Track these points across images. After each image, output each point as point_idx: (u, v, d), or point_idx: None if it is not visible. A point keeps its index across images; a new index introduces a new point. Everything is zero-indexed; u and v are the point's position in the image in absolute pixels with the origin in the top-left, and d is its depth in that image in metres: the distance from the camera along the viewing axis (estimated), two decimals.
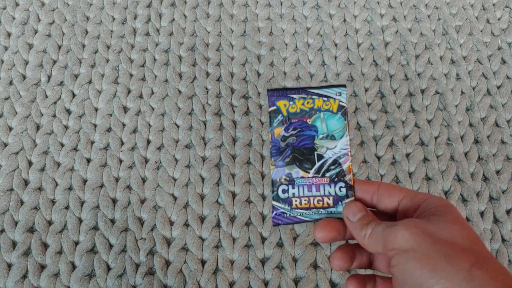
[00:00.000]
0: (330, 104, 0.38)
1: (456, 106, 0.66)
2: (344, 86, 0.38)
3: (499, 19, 0.74)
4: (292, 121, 0.38)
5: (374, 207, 0.36)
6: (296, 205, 0.37)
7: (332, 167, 0.37)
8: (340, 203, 0.36)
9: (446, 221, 0.30)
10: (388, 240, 0.31)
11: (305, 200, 0.37)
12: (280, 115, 0.38)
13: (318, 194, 0.37)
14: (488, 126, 0.64)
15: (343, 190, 0.37)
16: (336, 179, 0.37)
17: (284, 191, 0.37)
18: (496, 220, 0.59)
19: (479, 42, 0.71)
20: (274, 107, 0.38)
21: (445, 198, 0.59)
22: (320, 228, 0.35)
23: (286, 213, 0.37)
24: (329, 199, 0.36)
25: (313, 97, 0.38)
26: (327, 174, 0.37)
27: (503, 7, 0.74)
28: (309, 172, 0.37)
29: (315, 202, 0.36)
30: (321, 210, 0.36)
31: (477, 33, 0.72)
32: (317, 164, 0.37)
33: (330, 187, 0.37)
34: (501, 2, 0.75)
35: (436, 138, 0.63)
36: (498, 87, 0.68)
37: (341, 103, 0.38)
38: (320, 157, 0.37)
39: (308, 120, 0.38)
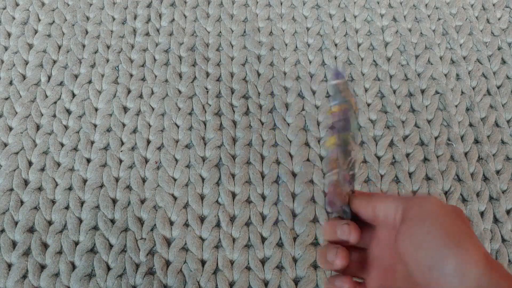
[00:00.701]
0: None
1: (456, 106, 0.66)
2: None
3: (499, 19, 0.74)
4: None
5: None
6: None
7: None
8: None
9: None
10: (411, 206, 0.30)
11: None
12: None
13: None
14: (488, 126, 0.64)
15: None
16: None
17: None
18: (496, 220, 0.59)
19: (479, 42, 0.71)
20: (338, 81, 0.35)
21: (445, 198, 0.59)
22: (342, 257, 0.34)
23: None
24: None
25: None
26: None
27: (503, 7, 0.74)
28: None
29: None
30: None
31: (477, 33, 0.72)
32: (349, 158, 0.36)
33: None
34: (501, 2, 0.75)
35: (436, 138, 0.63)
36: (498, 87, 0.68)
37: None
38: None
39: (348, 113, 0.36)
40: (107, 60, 0.68)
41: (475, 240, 0.28)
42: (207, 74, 0.67)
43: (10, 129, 0.63)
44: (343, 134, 0.35)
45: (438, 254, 0.27)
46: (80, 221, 0.57)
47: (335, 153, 0.35)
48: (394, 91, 0.67)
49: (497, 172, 0.62)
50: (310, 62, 0.69)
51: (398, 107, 0.65)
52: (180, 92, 0.66)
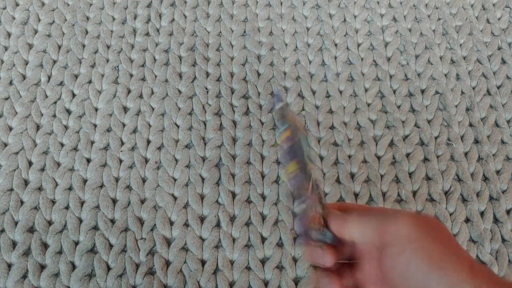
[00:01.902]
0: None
1: (456, 106, 0.66)
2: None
3: (499, 19, 0.74)
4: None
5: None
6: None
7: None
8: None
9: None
10: (386, 230, 0.30)
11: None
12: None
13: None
14: (488, 126, 0.64)
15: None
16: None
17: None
18: (496, 220, 0.59)
19: (479, 42, 0.71)
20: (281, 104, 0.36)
21: (445, 198, 0.59)
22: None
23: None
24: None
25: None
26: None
27: (503, 7, 0.74)
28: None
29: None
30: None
31: (477, 33, 0.72)
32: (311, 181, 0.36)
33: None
34: (501, 2, 0.75)
35: (436, 138, 0.63)
36: (498, 87, 0.68)
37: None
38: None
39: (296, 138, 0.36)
40: (107, 60, 0.68)
41: (457, 256, 0.28)
42: (207, 74, 0.67)
43: (10, 129, 0.63)
44: (299, 158, 0.35)
45: (423, 280, 0.28)
46: (80, 221, 0.57)
47: (299, 180, 0.35)
48: (394, 91, 0.67)
49: (497, 172, 0.62)
50: (310, 62, 0.69)
51: (398, 107, 0.65)
52: (180, 92, 0.66)
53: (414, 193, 0.60)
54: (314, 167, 0.35)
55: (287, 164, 0.35)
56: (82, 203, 0.58)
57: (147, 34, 0.70)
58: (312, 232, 0.34)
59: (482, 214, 0.59)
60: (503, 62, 0.70)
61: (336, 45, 0.70)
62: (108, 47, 0.69)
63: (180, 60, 0.68)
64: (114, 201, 0.58)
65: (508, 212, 0.59)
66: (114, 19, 0.72)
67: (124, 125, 0.63)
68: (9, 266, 0.54)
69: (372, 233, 0.31)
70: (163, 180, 0.59)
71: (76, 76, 0.67)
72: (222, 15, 0.72)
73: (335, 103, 0.65)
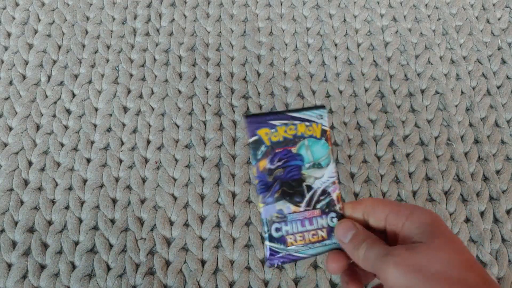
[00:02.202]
0: (313, 129, 0.35)
1: (456, 106, 0.66)
2: (323, 107, 0.36)
3: (499, 19, 0.74)
4: (276, 151, 0.35)
5: (368, 225, 0.35)
6: (291, 242, 0.35)
7: (322, 198, 0.35)
8: (333, 234, 0.35)
9: (435, 249, 0.29)
10: (380, 275, 0.30)
11: (300, 236, 0.35)
12: (263, 145, 0.35)
13: (312, 228, 0.35)
14: (488, 126, 0.64)
15: (335, 220, 0.35)
16: (327, 209, 0.35)
17: (278, 230, 0.35)
18: (496, 220, 0.59)
19: (479, 42, 0.71)
20: (256, 137, 0.35)
21: (445, 198, 0.59)
22: (331, 261, 0.35)
23: (281, 252, 0.35)
24: (323, 231, 0.35)
25: (295, 122, 0.35)
26: (318, 206, 0.35)
27: (503, 7, 0.74)
28: (300, 206, 0.35)
29: (310, 236, 0.35)
30: (317, 244, 0.35)
31: (477, 33, 0.72)
32: (307, 196, 0.35)
33: (322, 218, 0.35)
34: (501, 2, 0.75)
35: (436, 138, 0.63)
36: (498, 87, 0.68)
37: (323, 127, 0.36)
38: (309, 188, 0.35)
39: (292, 149, 0.35)
40: (107, 60, 0.68)
41: (462, 281, 0.28)
42: (207, 74, 0.67)
43: (10, 129, 0.63)
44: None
45: None
46: (80, 221, 0.57)
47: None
48: (394, 91, 0.67)
49: (497, 172, 0.62)
50: (310, 62, 0.69)
51: (398, 107, 0.65)
52: (180, 92, 0.66)
53: (414, 193, 0.60)
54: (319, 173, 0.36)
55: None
56: (82, 203, 0.58)
57: (147, 34, 0.70)
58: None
59: (482, 214, 0.59)
60: (503, 62, 0.70)
61: (336, 45, 0.70)
62: (108, 47, 0.69)
63: (180, 60, 0.68)
64: (114, 201, 0.58)
65: (508, 212, 0.59)
66: (114, 19, 0.72)
67: (124, 125, 0.63)
68: (9, 266, 0.54)
69: (385, 212, 0.32)
70: (163, 180, 0.59)
71: (76, 76, 0.67)
72: (222, 15, 0.72)
73: (335, 103, 0.65)
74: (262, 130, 0.35)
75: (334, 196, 0.36)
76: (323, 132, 0.36)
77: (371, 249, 0.31)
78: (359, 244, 0.32)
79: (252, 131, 0.35)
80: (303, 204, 0.35)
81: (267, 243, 0.35)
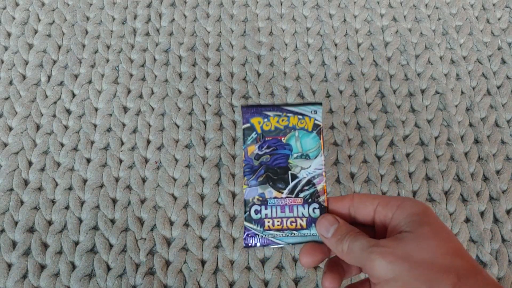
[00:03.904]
0: (305, 123, 0.37)
1: (456, 106, 0.66)
2: (320, 104, 0.37)
3: (499, 19, 0.74)
4: (266, 139, 0.37)
5: (354, 221, 0.35)
6: (268, 226, 0.36)
7: (306, 188, 0.36)
8: (313, 224, 0.36)
9: (422, 237, 0.29)
10: (366, 267, 0.30)
11: (277, 221, 0.36)
12: (254, 132, 0.37)
13: (292, 215, 0.36)
14: (488, 126, 0.64)
15: (317, 211, 0.36)
16: (310, 200, 0.36)
17: (256, 212, 0.36)
18: (496, 220, 0.59)
19: (479, 42, 0.71)
20: (248, 124, 0.37)
21: (445, 198, 0.59)
22: (304, 254, 0.34)
23: (258, 235, 0.36)
24: (302, 220, 0.36)
25: (288, 115, 0.37)
26: (301, 195, 0.36)
27: (503, 7, 0.74)
28: (282, 192, 0.36)
29: (288, 223, 0.36)
30: (294, 232, 0.36)
31: (477, 33, 0.72)
32: (291, 184, 0.36)
33: (304, 208, 0.36)
34: (501, 2, 0.75)
35: (436, 138, 0.63)
36: (498, 87, 0.68)
37: (316, 121, 0.37)
38: (294, 177, 0.36)
39: (282, 139, 0.37)
40: (107, 60, 0.68)
41: (446, 266, 0.28)
42: (207, 74, 0.67)
43: (10, 129, 0.63)
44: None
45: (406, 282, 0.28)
46: (80, 221, 0.57)
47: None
48: (394, 91, 0.67)
49: (497, 172, 0.62)
50: (310, 62, 0.69)
51: (398, 107, 0.65)
52: (180, 92, 0.66)
53: (414, 193, 0.60)
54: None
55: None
56: (82, 203, 0.58)
57: (147, 34, 0.70)
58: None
59: (482, 214, 0.59)
60: (503, 62, 0.70)
61: (336, 45, 0.70)
62: (108, 47, 0.69)
63: (180, 60, 0.68)
64: (114, 201, 0.58)
65: (508, 212, 0.59)
66: (114, 19, 0.72)
67: (124, 125, 0.63)
68: (9, 266, 0.54)
69: (373, 204, 0.33)
70: (163, 180, 0.59)
71: (76, 76, 0.67)
72: (222, 15, 0.72)
73: (335, 103, 0.65)
74: (255, 119, 0.37)
75: (318, 187, 0.36)
76: (315, 126, 0.37)
77: (355, 242, 0.31)
78: (343, 237, 0.32)
79: (246, 118, 0.37)
80: (285, 191, 0.36)
81: (244, 223, 0.36)
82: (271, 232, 0.36)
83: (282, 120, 0.37)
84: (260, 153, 0.37)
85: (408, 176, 0.61)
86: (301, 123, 0.37)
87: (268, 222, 0.36)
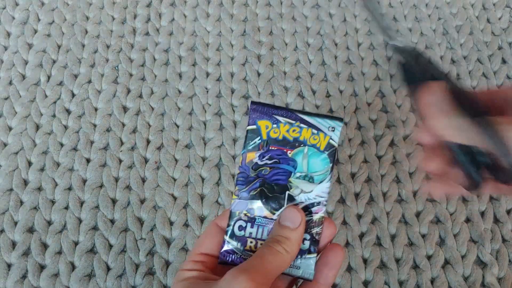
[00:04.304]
0: (319, 140, 0.32)
1: None
2: (341, 120, 0.32)
3: (499, 19, 0.73)
4: (270, 148, 0.32)
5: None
6: (250, 247, 0.32)
7: None
8: (299, 257, 0.31)
9: None
10: None
11: (261, 244, 0.32)
12: (259, 138, 0.32)
13: None
14: None
15: (307, 243, 0.32)
16: None
17: (240, 228, 0.32)
18: (496, 220, 0.58)
19: (479, 41, 0.71)
20: (254, 126, 0.32)
21: (446, 198, 0.59)
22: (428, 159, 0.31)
23: (237, 253, 0.32)
24: None
25: (302, 125, 0.32)
26: None
27: (504, 7, 0.74)
28: (274, 213, 0.32)
29: None
30: None
31: (478, 32, 0.72)
32: (285, 206, 0.32)
33: None
34: (502, 2, 0.74)
35: None
36: (499, 87, 0.67)
37: (331, 141, 0.32)
38: (291, 198, 0.32)
39: (288, 152, 0.32)
40: (107, 60, 0.68)
41: None
42: (207, 74, 0.67)
43: (10, 129, 0.62)
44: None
45: None
46: (80, 221, 0.57)
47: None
48: (395, 91, 0.67)
49: None
50: (310, 61, 0.69)
51: (399, 107, 0.65)
52: (180, 92, 0.66)
53: (414, 193, 0.59)
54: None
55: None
56: (82, 203, 0.58)
57: (147, 33, 0.70)
58: None
59: (482, 214, 0.59)
60: (504, 62, 0.70)
61: (336, 44, 0.70)
62: (108, 46, 0.69)
63: (180, 60, 0.68)
64: (114, 201, 0.58)
65: (508, 212, 0.59)
66: (113, 18, 0.71)
67: (123, 125, 0.63)
68: (9, 266, 0.54)
69: None
70: (163, 180, 0.59)
71: (76, 76, 0.66)
72: (222, 14, 0.72)
73: (335, 102, 0.65)
74: (263, 122, 0.32)
75: (315, 217, 0.32)
76: (329, 147, 0.32)
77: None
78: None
79: (253, 118, 0.32)
80: (278, 212, 0.32)
81: (225, 237, 0.32)
82: (251, 253, 0.31)
83: (293, 131, 0.32)
84: (259, 163, 0.32)
85: (409, 176, 0.60)
86: (314, 139, 0.32)
87: (251, 242, 0.32)
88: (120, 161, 0.61)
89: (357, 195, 0.59)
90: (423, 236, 0.57)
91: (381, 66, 0.68)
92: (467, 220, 0.58)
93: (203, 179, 0.60)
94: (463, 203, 0.59)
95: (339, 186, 0.59)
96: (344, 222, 0.57)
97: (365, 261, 0.55)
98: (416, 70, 0.33)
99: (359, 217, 0.58)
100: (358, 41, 0.71)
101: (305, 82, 0.66)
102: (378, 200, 0.58)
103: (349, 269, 0.55)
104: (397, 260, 0.55)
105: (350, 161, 0.61)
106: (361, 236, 0.57)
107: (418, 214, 0.58)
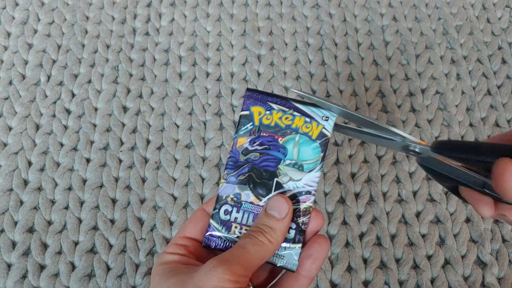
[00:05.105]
0: (311, 128, 0.32)
1: (456, 106, 0.66)
2: (336, 108, 0.32)
3: (499, 19, 0.73)
4: (261, 134, 0.32)
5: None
6: (234, 231, 0.31)
7: None
8: (284, 246, 0.31)
9: None
10: None
11: (246, 230, 0.31)
12: (251, 123, 0.32)
13: None
14: (489, 126, 0.64)
15: (292, 232, 0.31)
16: None
17: (226, 212, 0.32)
18: (496, 220, 0.58)
19: (479, 41, 0.71)
20: (247, 112, 0.32)
21: (446, 198, 0.59)
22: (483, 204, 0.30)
23: (221, 237, 0.31)
24: None
25: (295, 113, 0.32)
26: None
27: (504, 7, 0.74)
28: (261, 200, 0.31)
29: None
30: None
31: (478, 32, 0.72)
32: (273, 193, 0.31)
33: None
34: (502, 2, 0.74)
35: (436, 138, 0.63)
36: (499, 87, 0.68)
37: (324, 130, 0.32)
38: (279, 186, 0.31)
39: (280, 139, 0.32)
40: (107, 60, 0.68)
41: None
42: (207, 74, 0.67)
43: (10, 129, 0.62)
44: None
45: None
46: (80, 221, 0.57)
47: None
48: (395, 91, 0.67)
49: None
50: (310, 61, 0.69)
51: (399, 106, 0.65)
52: (180, 92, 0.66)
53: (415, 193, 0.59)
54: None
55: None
56: (82, 203, 0.58)
57: (147, 33, 0.70)
58: None
59: None
60: (504, 61, 0.70)
61: (336, 44, 0.70)
62: (108, 46, 0.69)
63: (180, 60, 0.68)
64: (114, 201, 0.58)
65: None
66: (113, 18, 0.71)
67: (123, 125, 0.63)
68: (9, 266, 0.54)
69: None
70: (162, 180, 0.59)
71: (76, 76, 0.66)
72: (222, 14, 0.72)
73: (335, 102, 0.65)
74: (256, 108, 0.32)
75: (302, 206, 0.31)
76: (321, 136, 0.32)
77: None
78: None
79: (246, 104, 0.32)
80: (264, 199, 0.32)
81: (211, 220, 0.32)
82: (235, 238, 0.31)
83: (286, 118, 0.32)
84: (250, 148, 0.32)
85: (409, 176, 0.60)
86: (306, 128, 0.32)
87: (236, 227, 0.31)
88: (120, 161, 0.61)
89: (357, 195, 0.59)
90: (423, 236, 0.57)
91: (381, 66, 0.68)
92: (467, 220, 0.58)
93: (203, 179, 0.60)
94: (463, 203, 0.59)
95: (339, 186, 0.59)
96: (344, 222, 0.57)
97: (365, 261, 0.55)
98: (436, 165, 0.32)
99: (359, 217, 0.58)
100: (358, 41, 0.71)
101: (305, 82, 0.66)
102: (378, 200, 0.58)
103: (349, 269, 0.55)
104: (397, 260, 0.56)
105: (350, 161, 0.61)
106: (361, 236, 0.57)
107: (418, 214, 0.58)
